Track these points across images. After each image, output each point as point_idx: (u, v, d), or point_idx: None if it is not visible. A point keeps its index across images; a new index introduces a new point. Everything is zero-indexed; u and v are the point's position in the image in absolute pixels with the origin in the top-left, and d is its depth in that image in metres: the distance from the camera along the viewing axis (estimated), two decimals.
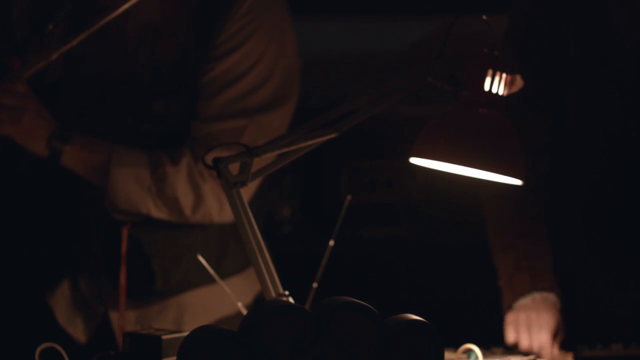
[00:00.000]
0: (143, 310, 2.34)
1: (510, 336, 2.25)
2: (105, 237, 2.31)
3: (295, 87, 2.33)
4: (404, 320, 1.49)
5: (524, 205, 2.35)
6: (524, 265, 2.31)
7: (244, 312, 1.98)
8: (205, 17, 2.25)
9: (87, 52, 2.25)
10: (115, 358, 1.72)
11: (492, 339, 2.24)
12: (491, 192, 2.37)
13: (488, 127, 1.72)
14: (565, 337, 2.27)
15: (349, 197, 1.97)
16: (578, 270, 2.37)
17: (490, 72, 1.71)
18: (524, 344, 2.23)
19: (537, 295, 2.27)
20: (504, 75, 1.72)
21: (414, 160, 1.77)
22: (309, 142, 1.78)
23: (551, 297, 2.27)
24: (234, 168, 1.80)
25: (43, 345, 1.78)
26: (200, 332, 1.44)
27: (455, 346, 2.02)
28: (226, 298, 2.10)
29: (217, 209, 2.26)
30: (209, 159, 1.81)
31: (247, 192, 1.90)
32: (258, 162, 1.80)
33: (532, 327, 2.22)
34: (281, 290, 1.81)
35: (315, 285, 1.93)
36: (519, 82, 1.75)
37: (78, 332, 2.37)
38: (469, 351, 2.00)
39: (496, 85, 1.72)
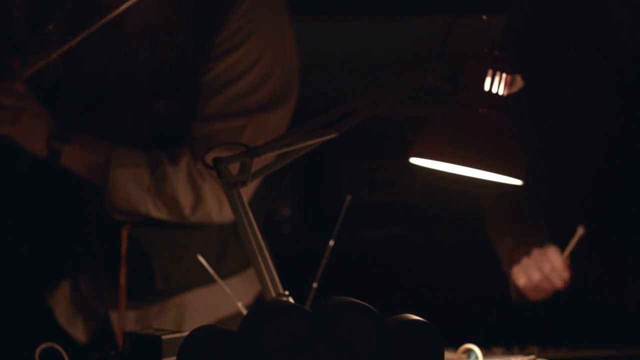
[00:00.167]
0: (143, 311, 2.34)
1: (521, 279, 2.25)
2: (105, 237, 2.31)
3: (295, 87, 2.33)
4: (404, 320, 1.49)
5: (522, 206, 2.35)
6: (523, 242, 2.31)
7: (244, 312, 1.98)
8: (205, 17, 2.25)
9: (87, 52, 2.25)
10: (115, 358, 1.72)
11: (492, 339, 2.24)
12: (490, 194, 2.37)
13: (488, 127, 1.72)
14: (563, 337, 2.27)
15: (349, 197, 1.97)
16: (578, 270, 2.37)
17: (490, 72, 1.71)
18: (535, 277, 2.23)
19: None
20: (504, 75, 1.72)
21: (414, 160, 1.77)
22: (309, 142, 1.78)
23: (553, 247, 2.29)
24: (234, 168, 1.80)
25: (43, 345, 1.78)
26: (200, 332, 1.44)
27: (455, 346, 2.02)
28: (226, 298, 2.10)
29: (216, 209, 2.26)
30: (208, 159, 1.81)
31: (247, 192, 1.90)
32: (258, 162, 1.80)
33: (541, 261, 2.24)
34: (281, 290, 1.81)
35: (315, 285, 1.93)
36: (519, 82, 1.75)
37: (78, 332, 2.37)
38: (469, 351, 2.00)
39: (496, 85, 1.71)
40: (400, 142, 2.01)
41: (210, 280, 2.16)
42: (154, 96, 2.26)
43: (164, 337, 1.69)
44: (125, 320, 2.30)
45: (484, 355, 2.03)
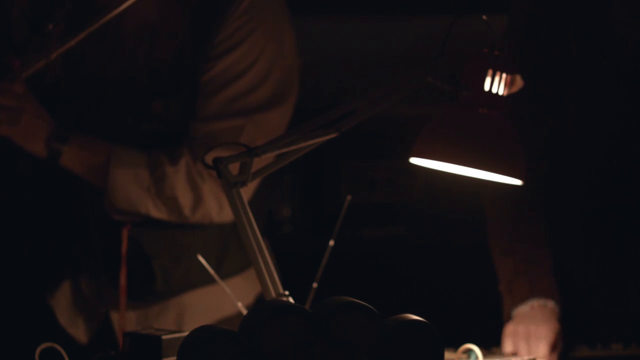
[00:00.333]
0: (144, 311, 2.34)
1: (508, 347, 2.24)
2: (106, 237, 2.31)
3: (294, 87, 2.33)
4: (404, 320, 1.49)
5: (523, 206, 2.35)
6: (523, 270, 2.30)
7: (244, 312, 1.98)
8: (204, 16, 2.25)
9: (86, 52, 2.25)
10: (115, 358, 1.72)
11: (492, 339, 2.24)
12: (490, 194, 2.37)
13: (488, 127, 1.72)
14: (564, 341, 2.27)
15: (349, 197, 1.97)
16: (578, 270, 2.37)
17: (490, 72, 1.71)
18: (522, 355, 2.23)
19: (535, 303, 2.26)
20: (504, 75, 1.72)
21: (414, 160, 1.77)
22: (309, 142, 1.78)
23: (550, 304, 2.26)
24: (234, 168, 1.80)
25: (43, 346, 1.78)
26: (200, 332, 1.44)
27: (455, 346, 2.02)
28: (227, 298, 2.10)
29: (216, 208, 2.26)
30: (208, 159, 1.81)
31: (247, 192, 1.90)
32: (258, 162, 1.80)
33: (530, 339, 2.22)
34: (281, 290, 1.81)
35: (315, 285, 1.93)
36: (519, 82, 1.75)
37: (79, 332, 2.37)
38: (469, 351, 2.00)
39: (496, 85, 1.71)
40: (400, 142, 2.01)
41: (210, 281, 2.16)
42: (154, 96, 2.26)
43: (164, 337, 1.69)
44: (126, 321, 2.30)
45: (484, 355, 2.03)
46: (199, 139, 2.24)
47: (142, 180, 2.23)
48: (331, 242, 1.94)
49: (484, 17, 1.72)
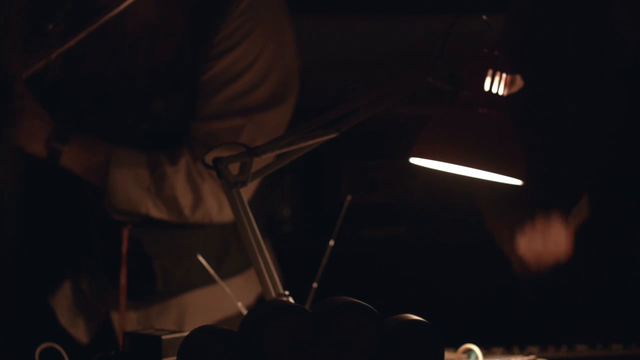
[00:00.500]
0: (144, 311, 2.34)
1: (525, 249, 2.20)
2: (106, 237, 2.31)
3: (294, 87, 2.33)
4: (404, 320, 1.49)
5: (519, 205, 2.35)
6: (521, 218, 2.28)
7: (244, 312, 1.98)
8: (203, 16, 2.25)
9: (86, 52, 2.25)
10: (115, 358, 1.72)
11: (492, 339, 2.24)
12: (486, 193, 2.37)
13: (488, 127, 1.72)
14: (563, 337, 2.27)
15: (349, 197, 1.96)
16: (577, 270, 2.37)
17: (490, 72, 1.71)
18: (540, 245, 2.19)
19: None
20: (504, 75, 1.72)
21: (414, 160, 1.77)
22: (309, 142, 1.78)
23: None
24: (234, 168, 1.80)
25: (43, 345, 1.78)
26: (200, 332, 1.44)
27: (455, 346, 2.02)
28: (227, 298, 2.10)
29: (216, 208, 2.26)
30: (208, 159, 1.81)
31: (247, 192, 1.90)
32: (258, 162, 1.80)
33: (546, 230, 2.19)
34: (281, 290, 1.81)
35: (315, 285, 1.93)
36: (519, 82, 1.76)
37: (80, 332, 2.37)
38: (469, 351, 2.00)
39: (496, 85, 1.71)
40: (400, 142, 2.01)
41: (211, 281, 2.16)
42: (153, 96, 2.26)
43: (163, 337, 1.69)
44: (127, 321, 2.30)
45: (484, 355, 2.03)
46: (199, 139, 2.24)
47: (142, 180, 2.23)
48: (331, 242, 1.94)
49: (484, 17, 1.72)
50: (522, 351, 2.21)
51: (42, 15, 2.26)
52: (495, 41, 1.72)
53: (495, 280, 2.37)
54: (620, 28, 2.29)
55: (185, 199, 2.24)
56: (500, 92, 1.72)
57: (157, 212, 2.25)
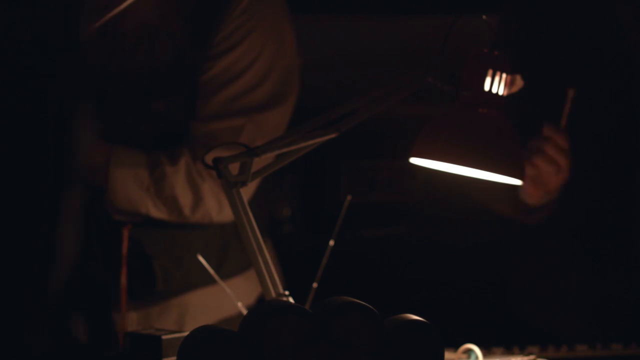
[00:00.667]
0: (145, 311, 2.34)
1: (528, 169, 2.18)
2: (106, 237, 2.31)
3: (294, 87, 2.33)
4: (404, 320, 1.49)
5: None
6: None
7: (244, 312, 1.98)
8: (203, 16, 2.25)
9: (85, 52, 2.25)
10: (116, 358, 1.72)
11: (492, 339, 2.24)
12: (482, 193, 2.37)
13: (488, 127, 1.72)
14: (563, 337, 2.27)
15: (349, 197, 1.96)
16: (576, 270, 2.37)
17: (490, 72, 1.71)
18: (540, 161, 2.16)
19: None
20: (504, 75, 1.72)
21: (414, 160, 1.77)
22: (309, 142, 1.78)
23: None
24: (234, 168, 1.80)
25: None
26: (200, 332, 1.44)
27: (455, 346, 2.02)
28: (228, 298, 2.10)
29: (216, 208, 2.26)
30: (208, 158, 1.81)
31: (246, 192, 1.90)
32: (258, 162, 1.80)
33: (541, 143, 2.16)
34: (281, 290, 1.81)
35: (315, 285, 1.93)
36: (519, 82, 1.76)
37: (80, 332, 2.37)
38: (469, 351, 2.00)
39: (496, 85, 1.71)
40: (400, 142, 2.01)
41: (211, 281, 2.16)
42: (154, 96, 2.26)
43: (164, 337, 1.69)
44: (127, 321, 2.30)
45: (484, 355, 2.03)
46: (199, 139, 2.24)
47: (141, 180, 2.23)
48: (331, 242, 1.94)
49: (484, 17, 1.72)
50: (522, 351, 2.21)
51: None
52: (495, 41, 1.72)
53: (495, 281, 2.36)
54: (621, 27, 2.29)
55: (185, 199, 2.24)
56: (500, 92, 1.72)
57: (157, 212, 2.25)
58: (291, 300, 1.80)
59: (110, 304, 2.32)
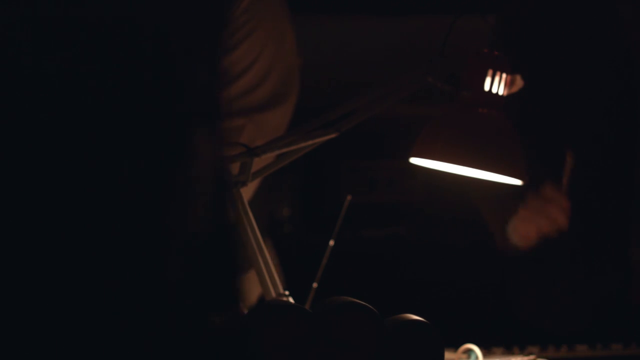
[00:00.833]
0: None
1: (525, 229, 2.21)
2: None
3: (295, 87, 2.33)
4: (404, 320, 1.49)
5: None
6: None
7: (244, 312, 1.97)
8: None
9: None
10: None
11: (492, 339, 2.24)
12: (483, 194, 2.37)
13: (488, 127, 1.72)
14: (563, 337, 2.27)
15: (349, 197, 1.96)
16: (575, 270, 2.37)
17: (490, 72, 1.71)
18: (542, 222, 2.19)
19: None
20: (504, 75, 1.72)
21: (414, 160, 1.77)
22: (309, 142, 1.78)
23: None
24: (234, 168, 1.80)
25: None
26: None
27: (455, 346, 2.02)
28: None
29: None
30: None
31: (247, 192, 1.90)
32: (258, 162, 1.80)
33: (542, 205, 2.20)
34: (281, 290, 1.81)
35: (315, 285, 1.93)
36: (519, 82, 1.76)
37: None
38: (469, 351, 2.00)
39: (496, 85, 1.71)
40: (400, 142, 2.01)
41: None
42: None
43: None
44: None
45: (484, 355, 2.03)
46: None
47: None
48: (331, 242, 1.94)
49: (485, 17, 1.72)
50: (522, 351, 2.21)
51: None
52: (495, 41, 1.72)
53: (495, 280, 2.36)
54: (622, 27, 2.29)
55: None
56: (500, 92, 1.72)
57: None
58: (291, 300, 1.80)
59: None
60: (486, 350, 2.15)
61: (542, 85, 2.33)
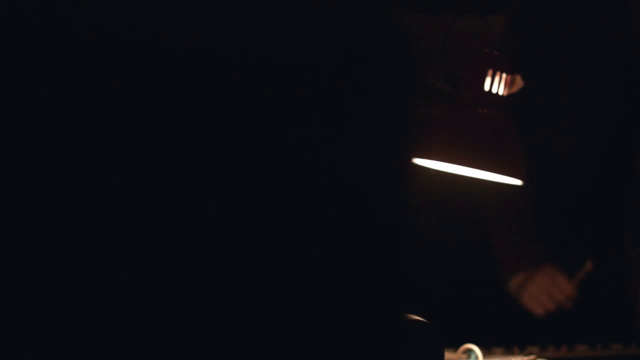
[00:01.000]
0: None
1: (532, 305, 2.25)
2: None
3: None
4: (404, 320, 1.49)
5: (520, 208, 2.35)
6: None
7: None
8: None
9: None
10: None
11: (492, 339, 2.24)
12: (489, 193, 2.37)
13: (488, 127, 1.72)
14: (563, 337, 2.27)
15: None
16: (574, 270, 2.37)
17: (490, 72, 1.71)
18: (546, 303, 2.23)
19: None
20: (504, 75, 1.72)
21: (414, 160, 1.77)
22: None
23: None
24: None
25: None
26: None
27: (455, 346, 2.01)
28: None
29: None
30: None
31: None
32: None
33: (550, 290, 2.24)
34: None
35: None
36: (519, 82, 1.75)
37: None
38: (469, 351, 1.99)
39: (496, 85, 1.71)
40: None
41: None
42: None
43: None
44: None
45: (484, 355, 2.03)
46: None
47: None
48: None
49: (485, 17, 1.71)
50: (522, 351, 2.21)
51: None
52: (495, 41, 1.72)
53: (495, 280, 2.36)
54: (624, 27, 2.29)
55: None
56: (500, 92, 1.72)
57: None
58: None
59: None
60: (486, 350, 2.15)
61: (546, 85, 2.33)
